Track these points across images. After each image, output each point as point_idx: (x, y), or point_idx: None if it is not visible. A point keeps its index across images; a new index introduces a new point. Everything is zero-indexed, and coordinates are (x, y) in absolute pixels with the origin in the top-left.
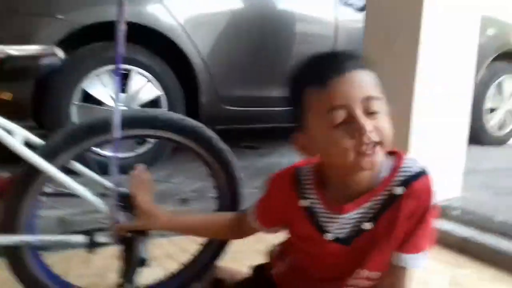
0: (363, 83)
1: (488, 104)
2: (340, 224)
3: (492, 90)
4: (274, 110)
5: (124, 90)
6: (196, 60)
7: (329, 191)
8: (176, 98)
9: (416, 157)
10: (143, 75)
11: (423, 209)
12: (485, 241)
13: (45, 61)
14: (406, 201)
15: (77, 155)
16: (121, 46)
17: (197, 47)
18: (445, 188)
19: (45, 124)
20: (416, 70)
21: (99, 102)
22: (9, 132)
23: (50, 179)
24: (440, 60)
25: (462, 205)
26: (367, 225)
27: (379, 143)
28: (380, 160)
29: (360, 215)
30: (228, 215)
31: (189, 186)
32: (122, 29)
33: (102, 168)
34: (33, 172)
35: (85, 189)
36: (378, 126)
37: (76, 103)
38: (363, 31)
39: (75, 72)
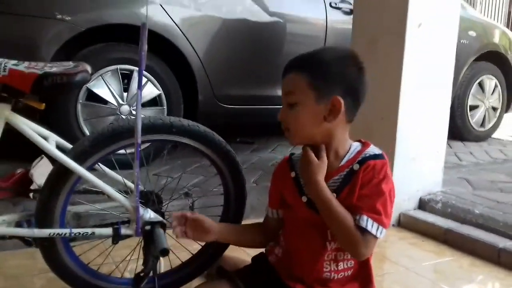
0: (288, 82)
1: (470, 102)
2: None
3: (474, 88)
4: (267, 108)
5: (126, 90)
6: (193, 60)
7: None
8: (175, 97)
9: (402, 156)
10: (144, 75)
11: (377, 180)
12: (464, 232)
13: (78, 77)
14: (361, 174)
15: (103, 157)
16: (143, 64)
17: (193, 48)
18: (428, 183)
19: (53, 122)
20: (402, 72)
21: (103, 101)
22: (44, 137)
23: (81, 179)
24: (423, 63)
25: (443, 199)
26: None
27: (287, 129)
28: (294, 141)
29: (328, 186)
30: (258, 222)
31: (189, 181)
32: (144, 49)
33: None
34: (66, 172)
35: (111, 188)
36: (288, 117)
37: (81, 101)
38: (351, 34)
39: None
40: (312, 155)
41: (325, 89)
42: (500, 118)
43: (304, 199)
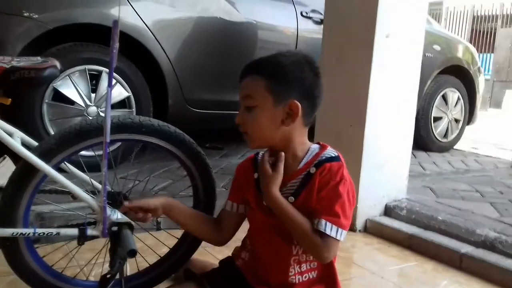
0: (246, 85)
1: (434, 113)
2: None
3: (438, 100)
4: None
5: (94, 90)
6: (164, 62)
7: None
8: (145, 99)
9: (369, 163)
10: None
11: (334, 182)
12: (428, 238)
13: (46, 72)
14: (318, 177)
15: (69, 156)
16: (114, 62)
17: (164, 51)
18: (393, 190)
19: (17, 121)
20: (370, 82)
21: (70, 102)
22: (9, 133)
23: (46, 177)
24: (390, 73)
25: (408, 206)
26: (291, 199)
27: (246, 133)
28: (253, 144)
29: (286, 190)
30: (213, 217)
31: (158, 186)
32: (115, 47)
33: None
34: (31, 170)
35: (78, 187)
36: (247, 120)
37: (47, 101)
38: (321, 42)
39: None
40: (267, 166)
41: (282, 93)
42: (462, 130)
43: (265, 203)
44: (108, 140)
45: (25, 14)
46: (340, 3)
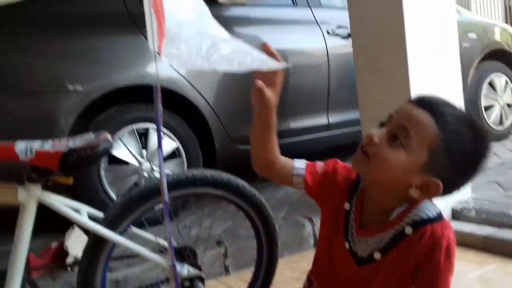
0: (414, 119)
1: (483, 103)
2: (356, 242)
3: (485, 89)
4: (282, 142)
5: (145, 147)
6: (204, 107)
7: (364, 210)
8: (192, 147)
9: None
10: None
11: (438, 254)
12: (504, 236)
13: (100, 148)
14: (417, 243)
15: (134, 220)
16: (160, 124)
17: (202, 95)
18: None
19: (79, 191)
20: (409, 86)
21: (124, 162)
22: (76, 210)
23: (116, 245)
24: (429, 75)
25: (475, 206)
26: (377, 255)
27: (367, 156)
28: (362, 169)
29: (372, 243)
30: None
31: (219, 228)
32: (159, 110)
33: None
34: (101, 241)
35: (145, 249)
36: (380, 146)
37: (103, 167)
38: (353, 56)
39: None
40: None
41: (435, 168)
42: None
43: (346, 245)
44: (167, 199)
45: (70, 88)
46: (365, 13)
